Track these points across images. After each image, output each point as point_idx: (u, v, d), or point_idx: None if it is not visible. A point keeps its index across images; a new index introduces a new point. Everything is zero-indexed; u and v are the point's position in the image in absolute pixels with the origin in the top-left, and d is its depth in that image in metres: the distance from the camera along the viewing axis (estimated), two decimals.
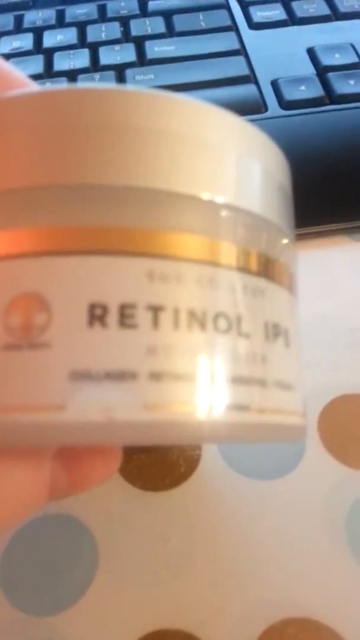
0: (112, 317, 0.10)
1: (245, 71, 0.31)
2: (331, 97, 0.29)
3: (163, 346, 0.10)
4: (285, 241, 0.13)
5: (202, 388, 0.10)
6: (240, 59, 0.32)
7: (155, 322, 0.10)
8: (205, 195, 0.11)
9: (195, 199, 0.11)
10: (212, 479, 0.20)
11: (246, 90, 0.30)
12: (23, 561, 0.18)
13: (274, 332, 0.12)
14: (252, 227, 0.12)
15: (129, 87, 0.12)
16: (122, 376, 0.10)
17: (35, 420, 0.10)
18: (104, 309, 0.10)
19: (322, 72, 0.30)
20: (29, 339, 0.10)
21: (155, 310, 0.10)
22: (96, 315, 0.10)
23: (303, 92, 0.30)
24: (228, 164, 0.12)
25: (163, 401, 0.10)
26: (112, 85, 0.12)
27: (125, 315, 0.10)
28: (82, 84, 0.12)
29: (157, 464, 0.20)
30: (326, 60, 0.31)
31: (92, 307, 0.10)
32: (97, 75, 0.31)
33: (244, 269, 0.11)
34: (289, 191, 0.14)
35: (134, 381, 0.10)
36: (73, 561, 0.18)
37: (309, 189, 0.27)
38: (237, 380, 0.11)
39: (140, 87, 0.12)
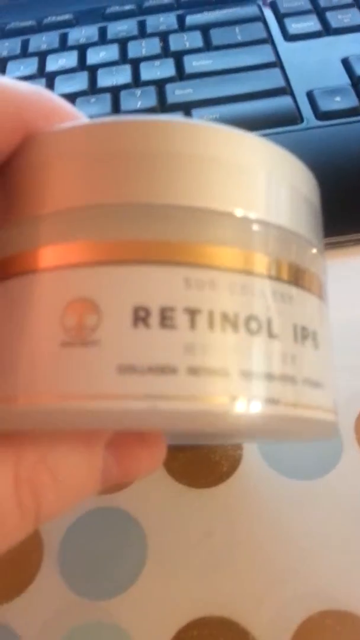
0: (154, 319, 0.11)
1: (281, 83, 0.32)
2: None
3: (199, 344, 0.11)
4: (313, 251, 0.14)
5: (235, 382, 0.12)
6: (276, 71, 0.33)
7: (192, 323, 0.12)
8: (239, 212, 0.13)
9: (229, 215, 0.13)
10: (253, 478, 0.21)
11: (282, 102, 0.31)
12: (79, 550, 0.20)
13: (303, 334, 0.13)
14: (281, 239, 0.13)
15: (171, 117, 0.13)
16: (163, 370, 0.11)
17: (89, 407, 0.11)
18: (147, 311, 0.12)
19: (357, 82, 0.31)
20: (82, 338, 0.12)
21: (192, 312, 0.12)
22: (140, 316, 0.11)
23: (338, 102, 0.30)
24: (259, 183, 0.13)
25: (199, 393, 0.11)
26: (155, 116, 0.13)
27: (166, 317, 0.12)
28: (130, 115, 0.14)
29: (201, 462, 0.22)
30: None
31: (136, 310, 0.12)
32: (138, 91, 0.33)
33: (274, 277, 0.13)
34: (316, 205, 0.15)
35: (174, 375, 0.11)
36: (124, 551, 0.20)
37: (345, 199, 0.27)
38: (268, 376, 0.12)
39: (180, 118, 0.13)
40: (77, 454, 0.13)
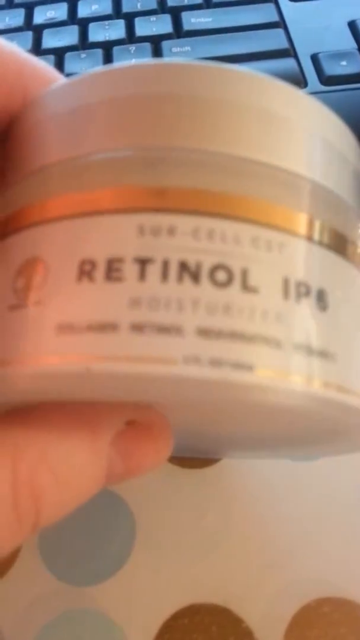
0: (99, 272, 0.10)
1: (284, 44, 0.30)
2: None
3: (148, 298, 0.10)
4: (313, 190, 0.12)
5: (189, 342, 0.10)
6: (280, 31, 0.31)
7: (142, 275, 0.10)
8: (202, 148, 0.11)
9: (192, 151, 0.11)
10: (248, 459, 0.20)
11: (285, 65, 0.29)
12: (63, 533, 0.19)
13: (298, 290, 0.11)
14: (259, 174, 0.11)
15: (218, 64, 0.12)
16: (102, 328, 0.10)
17: (25, 371, 0.10)
18: (93, 264, 0.10)
19: None
20: (27, 299, 0.11)
21: (143, 262, 0.10)
22: (85, 270, 0.10)
23: (344, 67, 0.29)
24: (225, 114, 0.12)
25: (143, 353, 0.10)
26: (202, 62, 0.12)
27: (112, 269, 0.10)
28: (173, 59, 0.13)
29: None
30: None
31: (82, 263, 0.11)
32: (132, 47, 0.31)
33: (256, 221, 0.11)
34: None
35: (115, 333, 0.10)
36: (111, 534, 0.19)
37: None
38: (234, 335, 0.10)
39: (231, 66, 0.12)
40: (82, 452, 0.12)
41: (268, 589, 0.18)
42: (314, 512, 0.19)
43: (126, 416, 0.12)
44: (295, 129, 0.12)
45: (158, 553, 0.18)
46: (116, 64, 0.12)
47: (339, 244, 0.12)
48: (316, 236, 0.11)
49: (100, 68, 0.12)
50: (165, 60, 0.12)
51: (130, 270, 0.10)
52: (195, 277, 0.10)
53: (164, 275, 0.10)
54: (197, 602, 0.18)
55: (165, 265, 0.10)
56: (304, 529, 0.19)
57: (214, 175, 0.11)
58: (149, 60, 0.12)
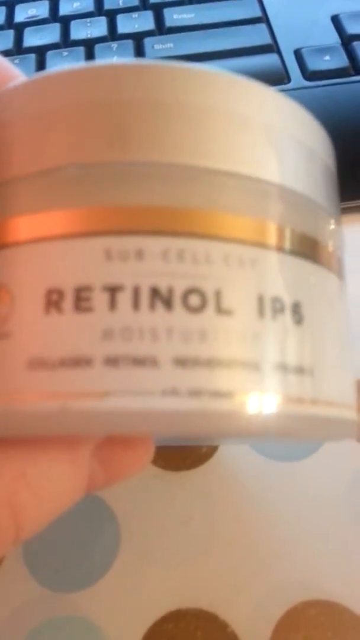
0: (68, 302, 0.10)
1: (267, 40, 0.30)
2: (356, 67, 0.28)
3: (120, 329, 0.10)
4: (284, 202, 0.12)
5: (166, 373, 0.10)
6: (262, 27, 0.31)
7: (113, 303, 0.10)
8: (165, 160, 0.11)
9: (155, 166, 0.10)
10: (234, 460, 0.20)
11: (268, 60, 0.29)
12: (46, 538, 0.19)
13: (274, 307, 0.10)
14: (234, 187, 0.11)
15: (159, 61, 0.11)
16: (76, 362, 0.10)
17: None
18: (60, 294, 0.10)
19: (347, 41, 0.29)
20: None
21: (113, 290, 0.10)
22: (52, 300, 0.10)
23: (327, 62, 0.29)
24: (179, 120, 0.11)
25: (119, 388, 0.10)
26: (140, 60, 0.11)
27: (81, 299, 0.10)
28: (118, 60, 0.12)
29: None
30: (351, 28, 0.30)
31: (48, 293, 0.10)
32: (114, 45, 0.31)
33: (226, 238, 0.10)
34: (334, 171, 0.13)
35: (89, 367, 0.10)
36: (95, 539, 0.18)
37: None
38: (211, 362, 0.10)
39: (171, 62, 0.11)
40: (61, 465, 0.11)
41: (254, 593, 0.18)
42: (301, 514, 0.19)
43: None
44: (258, 130, 0.11)
45: (143, 558, 0.18)
46: (67, 66, 0.11)
47: (311, 250, 0.11)
48: (287, 245, 0.11)
49: (55, 70, 0.11)
50: (122, 61, 0.11)
51: (99, 299, 0.10)
52: (168, 303, 0.10)
53: (135, 303, 0.10)
54: (183, 607, 0.18)
55: (136, 292, 0.10)
56: (290, 531, 0.19)
57: (178, 190, 0.10)
58: (104, 62, 0.11)
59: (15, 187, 0.11)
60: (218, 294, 0.10)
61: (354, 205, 0.26)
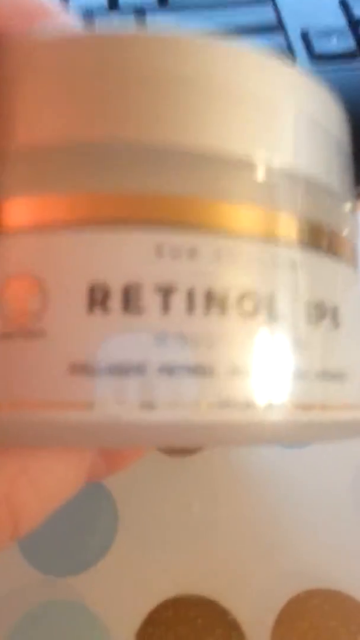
0: (115, 301, 0.09)
1: (272, 20, 0.29)
2: None
3: (175, 334, 0.09)
4: (334, 204, 0.11)
5: (223, 383, 0.09)
6: (268, 6, 0.30)
7: (166, 305, 0.09)
8: (232, 157, 0.10)
9: (217, 160, 0.10)
10: (237, 446, 0.19)
11: (273, 41, 0.28)
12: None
13: (318, 313, 0.10)
14: (288, 190, 0.10)
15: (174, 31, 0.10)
16: (126, 370, 0.09)
17: (30, 419, 0.09)
18: (106, 291, 0.09)
19: (356, 23, 0.29)
20: (23, 326, 0.09)
21: (166, 291, 0.09)
22: (97, 298, 0.09)
23: (334, 44, 0.28)
24: (269, 121, 0.10)
25: (176, 398, 0.09)
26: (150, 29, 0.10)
27: (130, 298, 0.09)
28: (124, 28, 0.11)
29: None
30: None
31: (92, 289, 0.09)
32: (114, 18, 0.30)
33: (276, 240, 0.10)
34: (348, 153, 0.13)
35: (141, 375, 0.09)
36: (93, 523, 0.18)
37: None
38: (269, 372, 0.09)
39: (185, 32, 0.11)
40: (64, 460, 0.11)
41: (256, 581, 0.17)
42: (305, 502, 0.18)
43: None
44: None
45: (142, 543, 0.18)
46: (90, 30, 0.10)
47: (336, 247, 0.11)
48: (324, 247, 0.10)
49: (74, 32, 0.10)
50: (135, 31, 0.10)
51: (152, 300, 0.09)
52: (223, 307, 0.09)
53: (190, 306, 0.09)
54: (182, 593, 0.17)
55: (190, 294, 0.09)
56: (293, 519, 0.18)
57: (229, 186, 0.09)
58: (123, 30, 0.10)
59: (49, 159, 0.09)
60: (271, 299, 0.09)
61: None
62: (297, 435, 0.10)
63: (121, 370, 0.09)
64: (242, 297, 0.09)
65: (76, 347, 0.09)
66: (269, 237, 0.10)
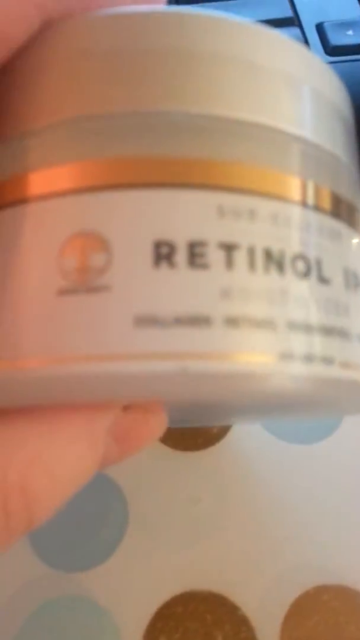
0: (181, 256, 0.09)
1: (288, 13, 0.29)
2: None
3: (239, 288, 0.09)
4: (357, 184, 0.12)
5: (283, 336, 0.09)
6: None
7: (230, 262, 0.09)
8: (282, 127, 0.10)
9: (272, 130, 0.10)
10: (246, 442, 0.19)
11: (289, 34, 0.28)
12: (52, 517, 0.18)
13: (355, 281, 0.11)
14: (331, 166, 0.11)
15: (194, 11, 0.11)
16: (194, 321, 0.09)
17: (96, 371, 0.09)
18: (171, 247, 0.09)
19: None
20: (86, 283, 0.09)
21: (229, 248, 0.09)
22: (163, 254, 0.09)
23: (351, 37, 0.28)
24: (305, 98, 0.11)
25: (240, 349, 0.09)
26: (171, 8, 0.11)
27: (196, 254, 0.09)
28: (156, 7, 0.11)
29: None
30: None
31: (157, 245, 0.09)
32: None
33: (321, 209, 0.10)
34: (355, 133, 0.13)
35: (208, 327, 0.09)
36: (103, 519, 0.18)
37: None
38: (321, 330, 0.10)
39: (209, 12, 0.11)
40: (79, 446, 0.11)
41: (265, 576, 0.17)
42: (314, 497, 0.18)
43: (124, 402, 0.12)
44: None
45: (151, 538, 0.18)
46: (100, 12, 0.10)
47: (355, 219, 0.11)
48: (354, 221, 0.11)
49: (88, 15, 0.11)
50: (146, 8, 0.11)
51: (216, 256, 0.09)
52: (280, 266, 0.10)
53: (252, 264, 0.09)
54: (192, 589, 0.17)
55: (251, 252, 0.09)
56: (303, 515, 0.18)
57: (286, 157, 0.10)
58: (131, 9, 0.11)
59: (114, 126, 0.10)
60: (319, 263, 0.10)
61: None
62: (336, 391, 0.10)
63: (187, 321, 0.09)
64: (295, 258, 0.10)
65: (142, 300, 0.09)
66: (314, 206, 0.10)
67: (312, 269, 0.10)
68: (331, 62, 0.27)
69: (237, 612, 0.17)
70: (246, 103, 0.10)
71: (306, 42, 0.28)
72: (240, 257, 0.09)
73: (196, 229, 0.09)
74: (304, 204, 0.10)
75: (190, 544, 0.18)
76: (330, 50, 0.28)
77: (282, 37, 0.11)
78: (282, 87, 0.11)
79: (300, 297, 0.10)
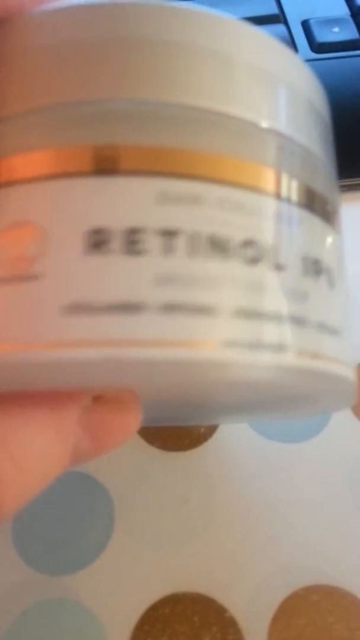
0: (116, 243, 0.09)
1: (273, 10, 0.29)
2: None
3: (177, 275, 0.09)
4: (328, 174, 0.12)
5: (225, 323, 0.09)
6: None
7: (168, 248, 0.09)
8: (232, 110, 0.10)
9: (220, 115, 0.10)
10: (234, 441, 0.19)
11: (275, 31, 0.28)
12: (37, 520, 0.18)
13: (315, 268, 0.11)
14: (288, 150, 0.11)
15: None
16: (127, 307, 0.09)
17: (29, 358, 0.09)
18: (107, 234, 0.09)
19: (357, 12, 0.28)
20: (20, 271, 0.09)
21: (169, 234, 0.09)
22: (97, 241, 0.09)
23: (336, 34, 0.28)
24: (256, 81, 0.11)
25: (176, 336, 0.09)
26: None
27: (132, 241, 0.09)
28: None
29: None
30: None
31: (92, 232, 0.09)
32: None
33: (279, 195, 0.10)
34: (330, 128, 0.13)
35: (142, 313, 0.09)
36: (89, 520, 0.18)
37: (338, 138, 0.25)
38: (269, 316, 0.10)
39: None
40: (46, 433, 0.10)
41: (253, 577, 0.17)
42: (302, 497, 0.18)
43: (93, 392, 0.11)
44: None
45: (138, 540, 0.18)
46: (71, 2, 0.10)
47: (326, 211, 0.11)
48: (318, 208, 0.11)
49: (60, 4, 0.11)
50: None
51: (153, 242, 0.09)
52: (225, 252, 0.09)
53: (193, 250, 0.09)
54: (179, 591, 0.17)
55: (194, 238, 0.09)
56: (291, 515, 0.18)
57: (236, 142, 0.10)
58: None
59: (47, 116, 0.10)
60: (275, 249, 0.10)
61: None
62: (290, 380, 0.10)
63: (120, 308, 0.09)
64: (245, 244, 0.10)
65: (75, 287, 0.09)
66: (270, 191, 0.10)
67: (264, 255, 0.10)
68: (317, 59, 0.27)
69: (225, 613, 0.16)
70: (182, 87, 0.10)
71: (292, 39, 0.28)
72: (181, 243, 0.09)
73: (134, 216, 0.09)
74: (258, 189, 0.10)
75: (177, 545, 0.17)
76: (316, 47, 0.27)
77: (260, 33, 0.11)
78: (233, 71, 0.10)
79: (247, 283, 0.09)
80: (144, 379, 0.10)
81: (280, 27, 0.28)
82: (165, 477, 0.18)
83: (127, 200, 0.09)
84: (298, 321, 0.10)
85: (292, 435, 0.19)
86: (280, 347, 0.10)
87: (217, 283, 0.09)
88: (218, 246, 0.09)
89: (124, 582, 0.17)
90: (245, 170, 0.10)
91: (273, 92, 0.11)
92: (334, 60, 0.27)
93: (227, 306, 0.09)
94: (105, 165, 0.09)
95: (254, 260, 0.10)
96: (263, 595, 0.17)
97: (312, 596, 0.17)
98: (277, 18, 0.29)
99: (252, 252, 0.10)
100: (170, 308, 0.09)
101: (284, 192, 0.10)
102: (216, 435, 0.19)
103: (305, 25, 0.28)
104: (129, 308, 0.09)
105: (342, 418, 0.20)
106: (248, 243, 0.10)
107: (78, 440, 0.11)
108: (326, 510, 0.18)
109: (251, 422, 0.20)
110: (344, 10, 0.29)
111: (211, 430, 0.19)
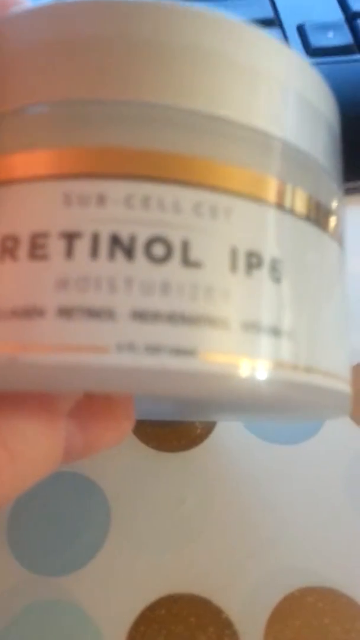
0: (23, 249, 0.09)
1: (269, 14, 0.29)
2: None
3: (76, 278, 0.09)
4: (273, 153, 0.11)
5: (124, 327, 0.09)
6: (264, 0, 0.30)
7: (69, 251, 0.09)
8: (135, 98, 0.10)
9: (123, 104, 0.10)
10: (230, 442, 0.19)
11: (270, 35, 0.28)
12: (32, 520, 0.18)
13: (248, 262, 0.10)
14: (206, 131, 0.10)
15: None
16: (27, 312, 0.09)
17: None
18: (16, 240, 0.09)
19: (352, 18, 0.29)
20: None
21: (70, 237, 0.09)
22: (7, 248, 0.09)
23: (331, 39, 0.28)
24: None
25: (72, 341, 0.09)
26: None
27: (36, 246, 0.09)
28: None
29: (173, 423, 0.19)
30: (356, 5, 0.29)
31: (4, 240, 0.09)
32: None
33: (196, 184, 0.10)
34: (338, 134, 0.13)
35: (41, 318, 0.09)
36: (84, 521, 0.18)
37: None
38: (174, 318, 0.09)
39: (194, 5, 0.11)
40: (37, 424, 0.11)
41: (250, 579, 0.17)
42: (298, 499, 0.18)
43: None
44: (251, 75, 0.11)
45: (134, 541, 0.17)
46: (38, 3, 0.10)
47: (307, 209, 0.11)
48: (272, 198, 0.10)
49: (22, 7, 0.11)
50: None
51: (56, 246, 0.09)
52: (129, 252, 0.09)
53: (94, 251, 0.09)
54: (175, 592, 0.17)
55: (95, 239, 0.09)
56: (287, 516, 0.18)
57: (142, 131, 0.10)
58: None
59: None
60: (185, 245, 0.09)
61: (358, 186, 0.25)
62: (204, 387, 0.09)
63: (21, 313, 0.09)
64: (151, 242, 0.09)
65: None
66: (197, 183, 0.10)
67: (174, 252, 0.09)
68: (312, 64, 0.27)
69: (221, 615, 0.16)
70: (89, 82, 0.10)
71: (287, 43, 0.28)
72: (82, 245, 0.09)
73: (39, 221, 0.09)
74: (171, 181, 0.09)
75: (173, 546, 0.17)
76: (311, 51, 0.28)
77: (269, 37, 0.11)
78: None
79: (152, 283, 0.09)
80: (41, 383, 0.09)
81: (276, 31, 0.28)
82: (161, 478, 0.18)
83: (35, 205, 0.09)
84: (210, 322, 0.09)
85: (288, 436, 0.19)
86: (184, 351, 0.09)
87: (117, 284, 0.09)
88: (121, 246, 0.09)
89: (120, 583, 0.17)
90: (147, 159, 0.10)
91: (257, 88, 0.11)
92: (329, 65, 0.27)
93: (127, 308, 0.09)
94: (17, 173, 0.10)
95: (162, 259, 0.09)
96: (259, 597, 0.17)
97: (307, 598, 0.17)
98: (272, 22, 0.29)
99: (160, 249, 0.09)
100: (68, 312, 0.09)
101: (198, 179, 0.10)
102: (212, 437, 0.19)
103: (301, 29, 0.29)
104: (30, 313, 0.09)
105: (337, 420, 0.20)
106: (155, 240, 0.09)
107: (71, 436, 0.12)
108: (322, 512, 0.18)
109: (247, 423, 0.20)
110: (338, 15, 0.29)
111: (207, 431, 0.19)
